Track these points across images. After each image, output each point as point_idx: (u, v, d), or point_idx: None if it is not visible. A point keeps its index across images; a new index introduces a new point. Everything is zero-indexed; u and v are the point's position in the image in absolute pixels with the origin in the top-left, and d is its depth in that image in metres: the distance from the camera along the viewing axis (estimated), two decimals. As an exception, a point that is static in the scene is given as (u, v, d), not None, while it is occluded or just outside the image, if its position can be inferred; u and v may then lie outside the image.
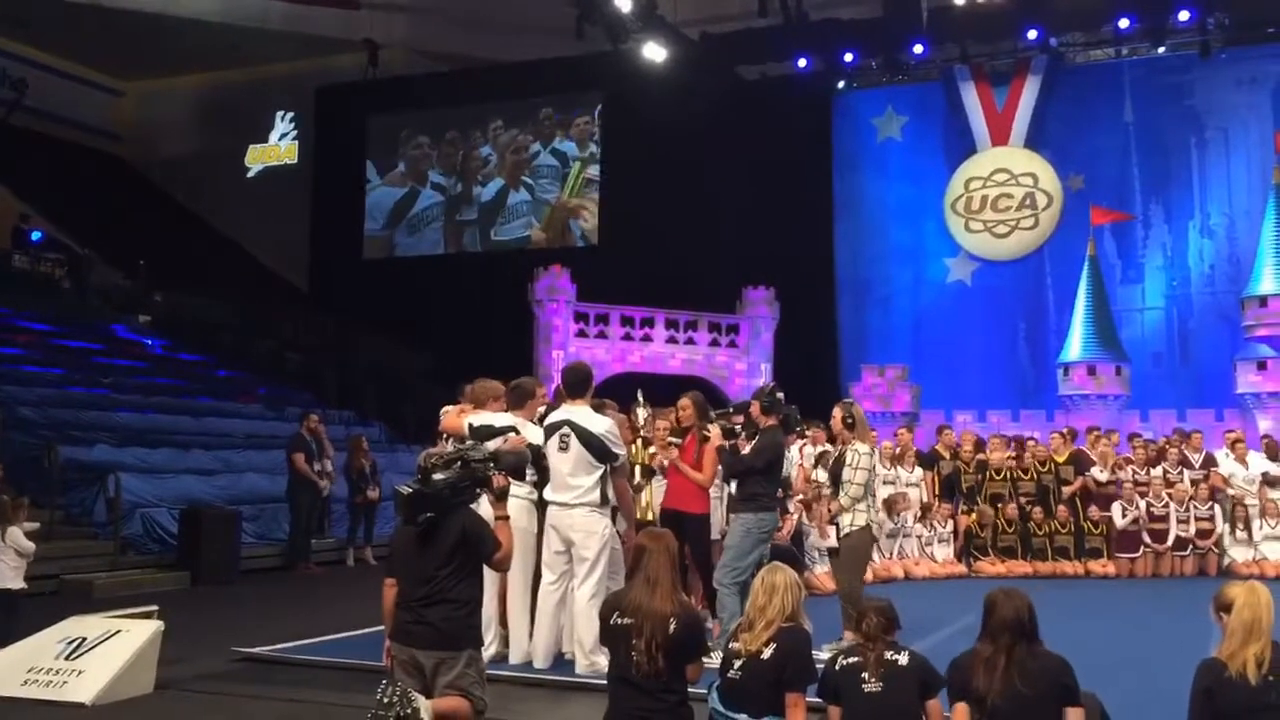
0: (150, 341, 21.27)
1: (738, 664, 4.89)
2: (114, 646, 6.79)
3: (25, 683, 6.71)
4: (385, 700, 5.30)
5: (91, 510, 13.07)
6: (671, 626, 4.92)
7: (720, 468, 8.16)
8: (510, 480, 6.14)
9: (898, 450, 13.57)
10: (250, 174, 29.44)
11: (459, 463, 5.90)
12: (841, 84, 24.31)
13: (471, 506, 5.96)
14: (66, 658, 6.78)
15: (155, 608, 7.47)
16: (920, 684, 4.72)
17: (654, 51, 21.95)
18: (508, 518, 6.06)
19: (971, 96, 23.54)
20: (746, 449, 8.07)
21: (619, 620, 5.05)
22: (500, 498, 5.99)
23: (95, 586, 11.26)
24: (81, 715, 6.37)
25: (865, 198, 24.48)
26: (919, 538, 13.07)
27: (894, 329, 23.96)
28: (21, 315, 19.46)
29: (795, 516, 11.09)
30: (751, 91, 23.82)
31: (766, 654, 4.84)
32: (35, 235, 23.73)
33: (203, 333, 22.45)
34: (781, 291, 22.67)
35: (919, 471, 13.48)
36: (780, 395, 8.40)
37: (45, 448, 13.15)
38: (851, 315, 24.28)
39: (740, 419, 8.28)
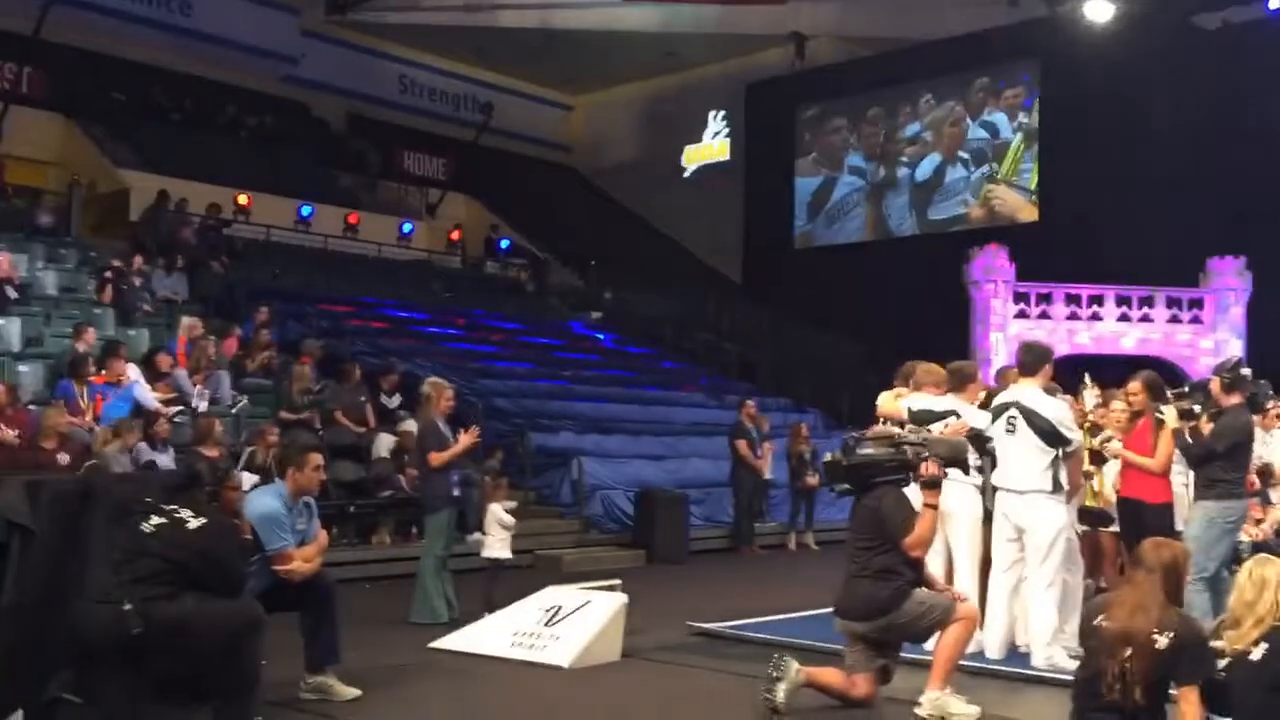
0: (602, 336, 22.83)
1: (1222, 664, 4.46)
2: (586, 616, 7.34)
3: (512, 645, 7.42)
4: (773, 674, 5.80)
5: (559, 492, 14.27)
6: (1159, 643, 4.44)
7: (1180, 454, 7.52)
8: (943, 470, 6.05)
9: None
10: (686, 173, 30.79)
11: (889, 442, 5.98)
12: (1324, 22, 21.46)
13: (899, 488, 6.00)
14: (546, 624, 7.43)
15: (618, 581, 8.03)
16: None
17: (1097, 10, 20.51)
18: (935, 507, 5.97)
19: None
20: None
21: (1102, 623, 4.66)
22: (928, 486, 5.92)
23: (564, 561, 12.22)
24: (559, 677, 6.94)
25: (1355, 150, 21.43)
26: None
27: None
28: (493, 316, 21.59)
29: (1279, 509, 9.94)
30: (1213, 42, 21.61)
31: (1255, 655, 4.37)
32: (503, 243, 26.27)
33: (647, 326, 23.81)
34: (1254, 260, 20.42)
35: None
36: (1245, 371, 7.59)
37: (518, 435, 14.53)
38: (1339, 284, 21.36)
39: (1199, 399, 7.59)
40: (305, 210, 22.56)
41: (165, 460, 10.38)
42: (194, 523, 4.99)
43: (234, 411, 12.97)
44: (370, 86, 28.27)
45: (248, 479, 9.01)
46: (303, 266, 20.55)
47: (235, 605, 5.09)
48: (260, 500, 6.22)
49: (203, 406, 12.34)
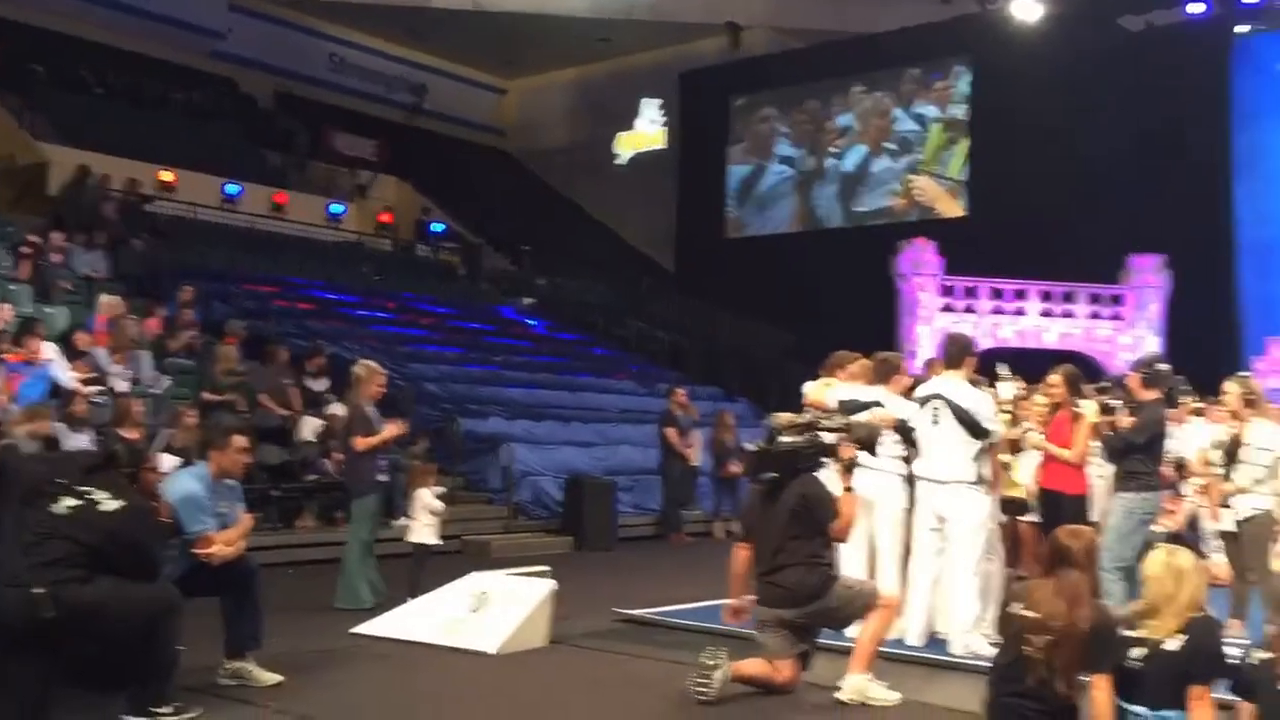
0: (534, 322, 22.76)
1: (1136, 653, 4.56)
2: (514, 602, 7.33)
3: (439, 630, 7.36)
4: (709, 662, 5.90)
5: (488, 477, 14.21)
6: (1080, 630, 4.59)
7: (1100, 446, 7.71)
8: (858, 453, 6.18)
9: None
10: (620, 161, 30.75)
11: (809, 429, 6.10)
12: (1246, 28, 21.95)
13: (817, 475, 6.12)
14: (473, 610, 7.39)
15: (547, 568, 8.01)
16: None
17: (1026, 10, 20.86)
18: (852, 490, 6.11)
19: (1405, 30, 20.60)
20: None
21: (1020, 611, 4.74)
22: (847, 469, 6.06)
23: (492, 547, 12.19)
24: (487, 663, 6.92)
25: (1272, 153, 22.02)
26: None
27: (1306, 297, 21.46)
28: (424, 300, 21.40)
29: (1192, 501, 10.23)
30: (1136, 43, 22.07)
31: (1173, 645, 4.46)
32: (436, 227, 26.03)
33: (579, 313, 23.77)
34: (1172, 259, 20.93)
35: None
36: (1163, 367, 7.80)
37: (448, 420, 14.42)
38: (1255, 283, 21.94)
39: (1117, 394, 7.79)
40: (231, 189, 22.14)
41: (83, 441, 10.13)
42: (108, 505, 4.88)
43: (156, 392, 12.70)
44: (300, 64, 27.79)
45: (168, 461, 8.83)
46: (228, 246, 20.16)
47: (151, 589, 4.99)
48: (180, 482, 6.10)
49: (122, 387, 12.06)
